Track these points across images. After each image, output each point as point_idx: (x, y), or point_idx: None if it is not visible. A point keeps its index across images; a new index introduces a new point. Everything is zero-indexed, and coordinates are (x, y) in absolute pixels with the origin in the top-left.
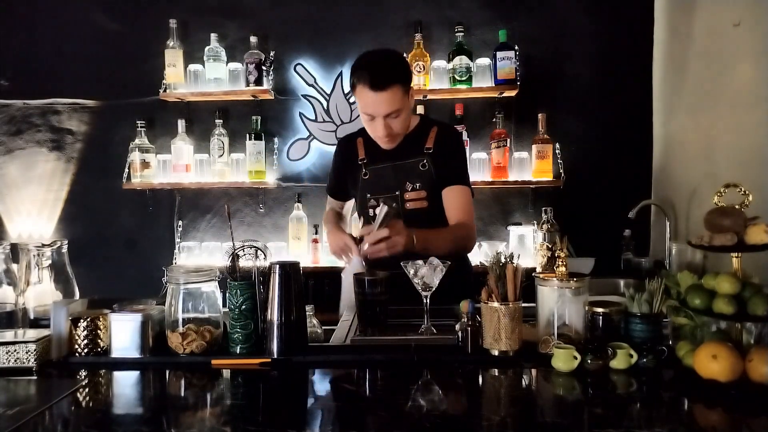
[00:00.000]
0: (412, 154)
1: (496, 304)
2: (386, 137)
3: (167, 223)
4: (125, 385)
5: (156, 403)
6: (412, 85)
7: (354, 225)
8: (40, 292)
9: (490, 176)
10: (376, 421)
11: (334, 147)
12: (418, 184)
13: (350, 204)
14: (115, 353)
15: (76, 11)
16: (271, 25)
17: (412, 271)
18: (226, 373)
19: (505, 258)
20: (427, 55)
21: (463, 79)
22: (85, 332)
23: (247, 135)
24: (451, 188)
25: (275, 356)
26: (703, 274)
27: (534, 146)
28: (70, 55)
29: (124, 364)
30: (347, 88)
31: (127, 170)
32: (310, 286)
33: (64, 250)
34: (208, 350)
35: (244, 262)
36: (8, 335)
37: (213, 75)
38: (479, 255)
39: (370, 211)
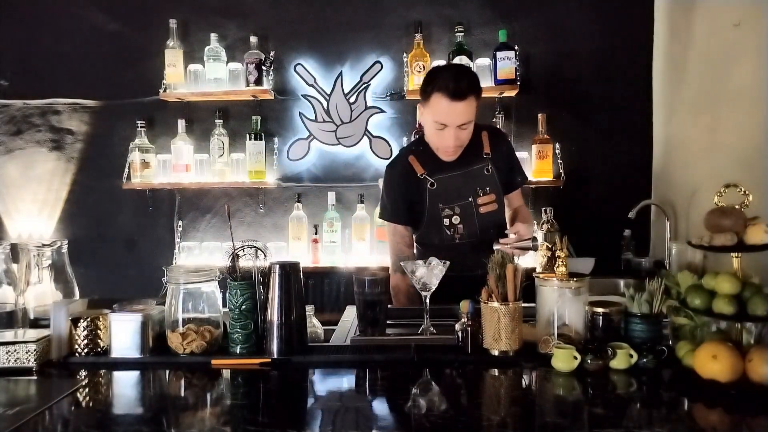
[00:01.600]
0: (475, 161)
1: (496, 304)
2: (453, 148)
3: (167, 223)
4: (125, 385)
5: (156, 403)
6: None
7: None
8: (40, 292)
9: None
10: (376, 421)
11: (333, 146)
12: (487, 188)
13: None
14: (115, 353)
15: (76, 11)
16: (271, 25)
17: (410, 271)
18: (226, 373)
19: (505, 258)
20: (427, 55)
21: None
22: (85, 332)
23: (247, 135)
24: (517, 191)
25: (275, 356)
26: (703, 274)
27: (534, 146)
28: (70, 55)
29: (124, 364)
30: (347, 88)
31: (127, 170)
32: (310, 286)
33: (64, 250)
34: (208, 350)
35: (244, 262)
36: (8, 335)
37: (213, 75)
38: None
39: (446, 220)
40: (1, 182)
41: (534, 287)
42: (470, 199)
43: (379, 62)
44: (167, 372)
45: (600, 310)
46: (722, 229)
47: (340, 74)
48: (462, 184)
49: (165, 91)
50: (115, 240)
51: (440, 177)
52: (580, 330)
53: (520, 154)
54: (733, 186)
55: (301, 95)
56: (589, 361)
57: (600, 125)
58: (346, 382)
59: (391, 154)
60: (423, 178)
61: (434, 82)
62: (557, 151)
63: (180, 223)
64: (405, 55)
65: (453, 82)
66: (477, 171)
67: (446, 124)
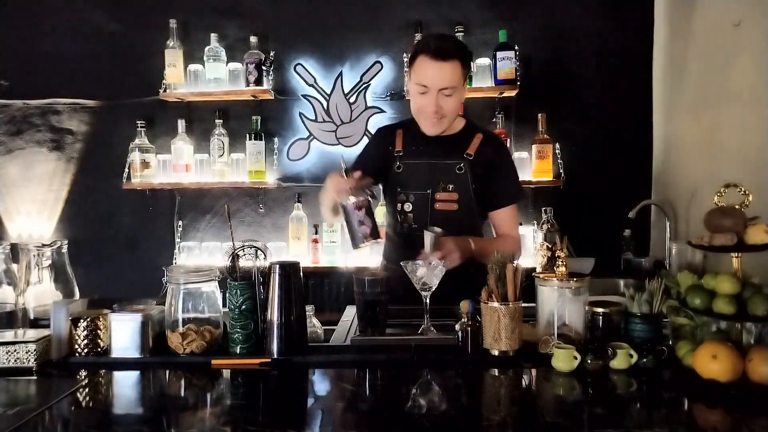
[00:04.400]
0: (451, 156)
1: (496, 304)
2: (434, 115)
3: (167, 223)
4: (125, 385)
5: (156, 403)
6: (469, 74)
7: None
8: (40, 292)
9: None
10: (376, 421)
11: (333, 146)
12: (450, 186)
13: None
14: (115, 353)
15: (76, 11)
16: (271, 25)
17: (411, 271)
18: (226, 373)
19: (505, 258)
20: None
21: None
22: (85, 332)
23: (247, 135)
24: (505, 209)
25: (275, 356)
26: (703, 274)
27: (534, 146)
28: (70, 55)
29: (124, 364)
30: (347, 88)
31: (127, 170)
32: (310, 286)
33: (64, 250)
34: (208, 350)
35: (244, 262)
36: (8, 335)
37: (213, 75)
38: None
39: (399, 205)
40: (1, 182)
41: (534, 287)
42: (428, 191)
43: (379, 62)
44: (167, 372)
45: (600, 310)
46: (722, 229)
47: (340, 74)
48: (426, 174)
49: (165, 91)
50: (115, 240)
51: (410, 162)
52: (580, 330)
53: (520, 154)
54: (733, 186)
55: (301, 95)
56: (589, 361)
57: (600, 125)
58: (346, 382)
59: None
60: (396, 156)
61: (419, 44)
62: (557, 151)
63: (180, 223)
64: (405, 55)
65: (436, 42)
66: (448, 166)
67: (427, 86)
